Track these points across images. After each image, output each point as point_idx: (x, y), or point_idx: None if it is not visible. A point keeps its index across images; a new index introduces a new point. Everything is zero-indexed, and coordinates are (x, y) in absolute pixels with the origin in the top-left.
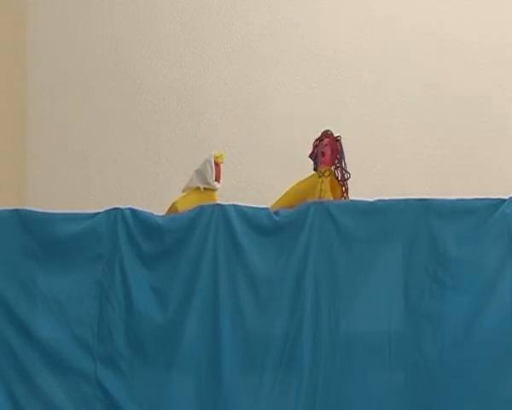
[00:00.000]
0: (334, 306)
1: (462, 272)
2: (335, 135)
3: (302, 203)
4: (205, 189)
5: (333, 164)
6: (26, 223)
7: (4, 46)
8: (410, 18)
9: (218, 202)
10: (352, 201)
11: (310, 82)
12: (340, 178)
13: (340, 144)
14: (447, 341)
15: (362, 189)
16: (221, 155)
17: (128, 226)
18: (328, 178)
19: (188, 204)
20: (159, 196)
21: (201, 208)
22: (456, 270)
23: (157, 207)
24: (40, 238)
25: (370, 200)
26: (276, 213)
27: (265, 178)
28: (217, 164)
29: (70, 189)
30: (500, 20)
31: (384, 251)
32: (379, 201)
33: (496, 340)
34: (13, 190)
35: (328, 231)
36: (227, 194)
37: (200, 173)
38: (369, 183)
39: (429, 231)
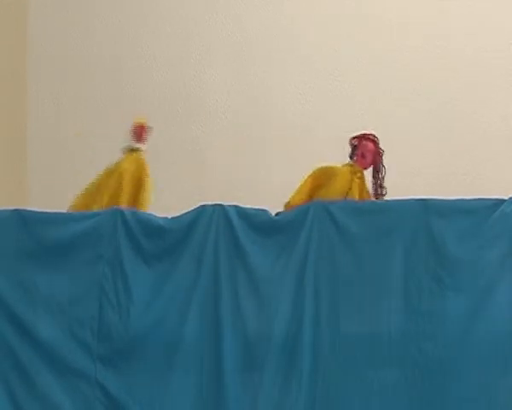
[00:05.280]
0: (334, 305)
1: (461, 272)
2: (380, 147)
3: (303, 203)
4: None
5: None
6: (27, 223)
7: (5, 46)
8: (409, 21)
9: (219, 202)
10: (352, 201)
11: (310, 82)
12: (376, 184)
13: (381, 157)
14: (447, 340)
15: None
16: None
17: (128, 227)
18: (358, 181)
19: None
20: (159, 197)
21: (202, 209)
22: (455, 269)
23: (157, 208)
24: (40, 238)
25: (370, 200)
26: (277, 213)
27: (265, 178)
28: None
29: (70, 189)
30: (500, 23)
31: (384, 251)
32: (379, 201)
33: (495, 339)
34: (13, 189)
35: (328, 230)
36: (227, 194)
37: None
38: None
39: (429, 231)
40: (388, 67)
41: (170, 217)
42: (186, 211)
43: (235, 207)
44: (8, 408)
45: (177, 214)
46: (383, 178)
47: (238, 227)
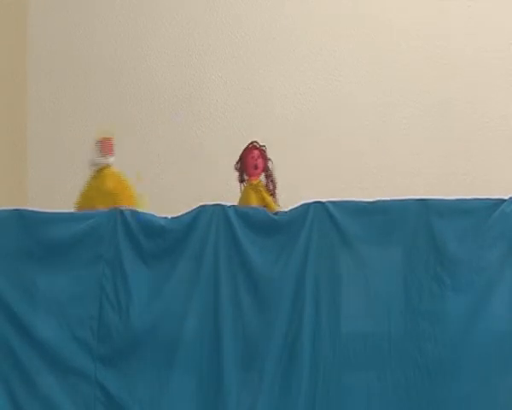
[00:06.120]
0: (334, 305)
1: (461, 272)
2: (262, 145)
3: (301, 204)
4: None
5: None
6: (27, 223)
7: (5, 46)
8: (408, 21)
9: (219, 202)
10: (351, 201)
11: (309, 83)
12: (271, 188)
13: (266, 154)
14: (447, 340)
15: (362, 189)
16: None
17: (128, 226)
18: (263, 190)
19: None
20: (159, 197)
21: (202, 209)
22: (455, 270)
23: (157, 208)
24: (40, 238)
25: (370, 200)
26: (276, 212)
27: None
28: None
29: (70, 189)
30: (500, 23)
31: (384, 251)
32: (379, 201)
33: (495, 339)
34: (13, 190)
35: (328, 231)
36: (227, 194)
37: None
38: (369, 183)
39: (429, 231)
40: (388, 67)
41: (170, 217)
42: (186, 211)
43: (235, 207)
44: (8, 408)
45: (177, 214)
46: (272, 171)
47: (238, 227)
